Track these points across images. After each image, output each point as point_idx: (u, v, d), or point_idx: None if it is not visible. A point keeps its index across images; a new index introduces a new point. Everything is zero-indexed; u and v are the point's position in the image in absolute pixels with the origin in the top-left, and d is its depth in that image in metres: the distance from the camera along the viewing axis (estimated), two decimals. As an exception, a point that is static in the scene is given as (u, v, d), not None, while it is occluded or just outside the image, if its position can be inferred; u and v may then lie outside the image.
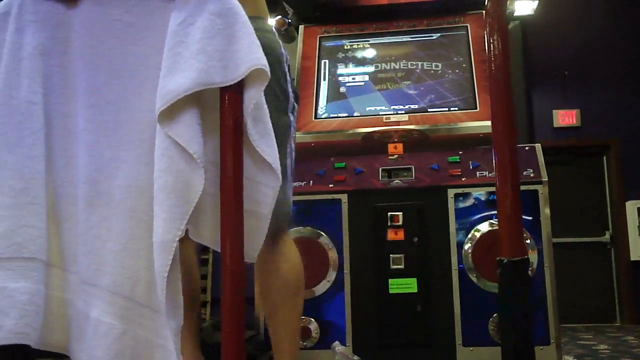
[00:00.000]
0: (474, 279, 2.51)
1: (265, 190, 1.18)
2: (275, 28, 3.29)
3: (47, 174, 1.16)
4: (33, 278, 1.11)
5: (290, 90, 1.84)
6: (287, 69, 1.84)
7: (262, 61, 1.09)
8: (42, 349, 1.14)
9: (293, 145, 1.89)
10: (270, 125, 1.19)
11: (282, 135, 1.71)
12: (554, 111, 6.86)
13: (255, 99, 1.11)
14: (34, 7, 1.20)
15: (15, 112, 1.15)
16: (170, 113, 1.07)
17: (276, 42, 1.80)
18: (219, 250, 1.09)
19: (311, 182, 2.70)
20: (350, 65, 3.15)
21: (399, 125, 2.85)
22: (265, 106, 1.18)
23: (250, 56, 1.08)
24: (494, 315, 2.46)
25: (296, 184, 2.67)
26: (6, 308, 1.07)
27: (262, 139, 1.15)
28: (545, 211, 2.53)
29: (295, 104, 1.88)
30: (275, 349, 1.82)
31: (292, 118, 1.87)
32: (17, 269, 1.10)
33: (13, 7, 1.21)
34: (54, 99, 1.19)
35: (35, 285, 1.11)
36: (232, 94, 1.10)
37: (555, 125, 6.88)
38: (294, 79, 1.90)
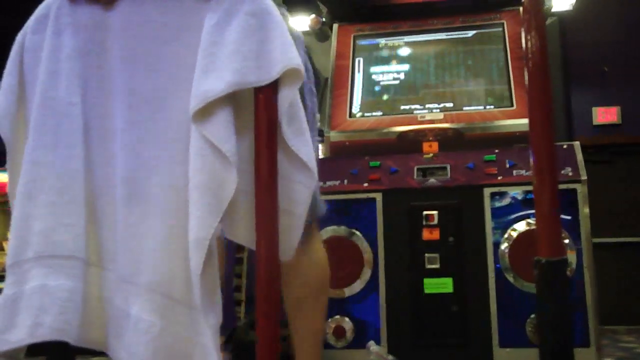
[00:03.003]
0: (511, 279, 2.48)
1: (300, 189, 1.18)
2: (309, 27, 3.30)
3: (85, 174, 1.18)
4: (72, 276, 1.12)
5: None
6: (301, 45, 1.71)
7: (296, 61, 1.09)
8: (81, 345, 1.16)
9: (315, 135, 1.77)
10: (306, 124, 1.19)
11: None
12: (593, 108, 6.73)
13: (289, 98, 1.11)
14: (71, 10, 1.22)
15: (55, 113, 1.18)
16: (205, 112, 1.08)
17: (285, 18, 1.64)
18: (254, 249, 1.09)
19: (346, 181, 2.69)
20: (385, 63, 3.13)
21: (434, 123, 2.83)
22: (301, 105, 1.18)
23: (285, 56, 1.09)
24: (532, 316, 2.42)
25: (330, 182, 2.67)
26: (46, 305, 1.09)
27: (297, 137, 1.15)
28: (585, 210, 2.48)
29: (313, 88, 1.77)
30: (297, 353, 1.73)
31: (308, 101, 1.72)
32: (56, 266, 1.12)
33: (51, 10, 1.23)
34: (92, 100, 1.21)
35: (74, 283, 1.12)
36: (267, 94, 1.11)
37: (595, 122, 6.75)
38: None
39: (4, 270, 1.17)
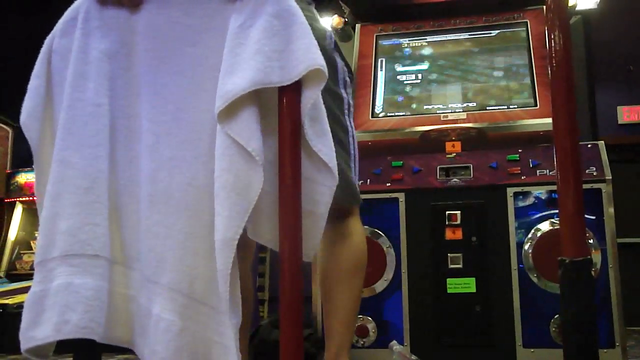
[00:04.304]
0: (535, 279, 2.46)
1: (321, 189, 1.19)
2: (332, 27, 3.31)
3: (110, 173, 1.20)
4: (97, 275, 1.14)
5: (338, 62, 1.79)
6: (331, 40, 1.78)
7: (319, 61, 1.09)
8: (108, 343, 1.17)
9: (350, 123, 1.85)
10: (328, 125, 1.19)
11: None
12: (618, 107, 6.65)
13: (312, 99, 1.11)
14: (99, 13, 1.24)
15: (82, 114, 1.19)
16: (230, 112, 1.09)
17: (311, 18, 1.71)
18: (277, 250, 1.10)
19: (368, 181, 2.69)
20: (407, 63, 3.13)
21: (457, 123, 2.82)
22: (323, 106, 1.19)
23: (308, 56, 1.09)
24: (556, 316, 2.40)
25: (353, 182, 2.67)
26: (72, 303, 1.10)
27: (319, 138, 1.16)
28: (609, 210, 2.46)
29: (347, 79, 1.82)
30: (326, 334, 1.78)
31: (343, 92, 1.81)
32: (81, 265, 1.13)
33: (80, 13, 1.25)
34: (118, 101, 1.22)
35: (99, 281, 1.14)
36: (290, 94, 1.11)
37: (620, 121, 6.67)
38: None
39: (32, 268, 1.19)
